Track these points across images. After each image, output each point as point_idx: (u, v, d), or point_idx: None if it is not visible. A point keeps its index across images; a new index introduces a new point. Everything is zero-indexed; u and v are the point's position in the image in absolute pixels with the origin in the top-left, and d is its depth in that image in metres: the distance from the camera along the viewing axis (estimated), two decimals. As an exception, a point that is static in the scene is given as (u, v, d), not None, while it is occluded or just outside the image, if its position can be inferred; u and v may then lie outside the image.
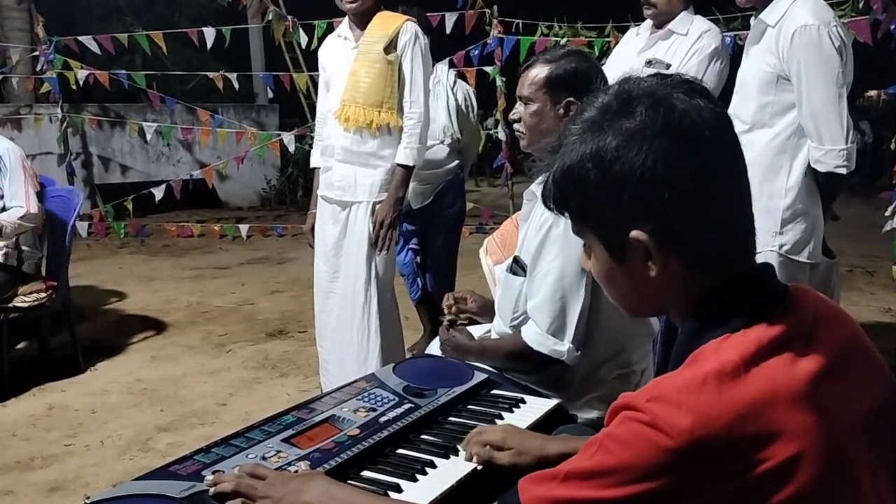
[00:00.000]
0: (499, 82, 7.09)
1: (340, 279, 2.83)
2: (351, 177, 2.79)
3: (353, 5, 2.72)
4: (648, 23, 2.83)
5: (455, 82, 3.75)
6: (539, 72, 1.69)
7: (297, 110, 9.93)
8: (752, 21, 2.36)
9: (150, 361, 3.77)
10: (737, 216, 0.85)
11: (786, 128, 2.24)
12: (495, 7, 6.93)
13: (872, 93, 17.81)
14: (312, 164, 3.01)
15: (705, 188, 0.81)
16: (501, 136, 7.35)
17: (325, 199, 2.87)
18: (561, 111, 1.67)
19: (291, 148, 7.64)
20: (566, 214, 0.91)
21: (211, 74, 7.64)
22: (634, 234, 0.83)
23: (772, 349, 0.78)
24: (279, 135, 7.91)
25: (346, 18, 2.84)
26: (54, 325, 3.71)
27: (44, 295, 3.38)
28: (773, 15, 2.22)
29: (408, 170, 2.77)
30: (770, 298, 0.84)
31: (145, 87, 7.70)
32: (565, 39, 6.71)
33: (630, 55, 2.81)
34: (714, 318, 0.82)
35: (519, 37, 6.89)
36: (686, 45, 2.68)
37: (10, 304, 3.28)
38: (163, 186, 7.42)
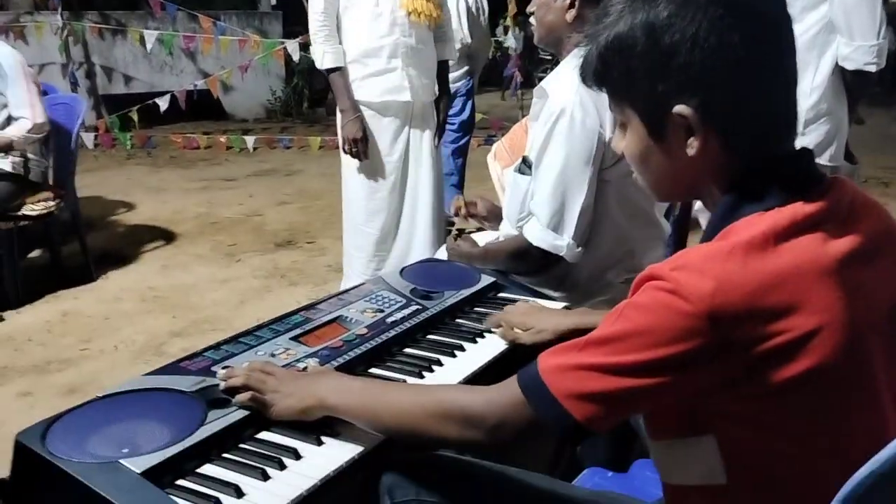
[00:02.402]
0: (509, -15, 6.83)
1: (408, 186, 2.82)
2: (418, 77, 2.73)
3: None
4: None
5: (464, -17, 3.62)
6: None
7: (301, 18, 9.62)
8: None
9: (161, 270, 3.81)
10: (783, 97, 0.83)
11: (815, 23, 2.16)
12: None
13: (897, -1, 17.17)
14: (335, 64, 2.68)
15: (756, 64, 0.79)
16: (511, 43, 7.14)
17: (388, 103, 2.72)
18: (566, 2, 1.62)
19: (296, 57, 7.45)
20: (604, 88, 0.89)
21: (212, -21, 7.38)
22: (678, 108, 0.81)
23: (804, 226, 0.78)
24: (283, 43, 7.70)
25: None
26: (64, 235, 3.73)
27: (52, 203, 3.38)
28: None
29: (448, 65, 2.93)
30: (807, 180, 0.82)
31: (145, -7, 7.47)
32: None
33: None
34: (749, 197, 0.81)
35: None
36: None
37: (18, 213, 3.29)
38: (167, 97, 7.30)
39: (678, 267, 0.77)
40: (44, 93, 3.49)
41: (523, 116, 7.28)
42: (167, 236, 4.40)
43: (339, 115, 2.75)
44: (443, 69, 2.86)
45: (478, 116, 4.83)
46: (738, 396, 0.77)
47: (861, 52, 2.10)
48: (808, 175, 0.83)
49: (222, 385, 1.11)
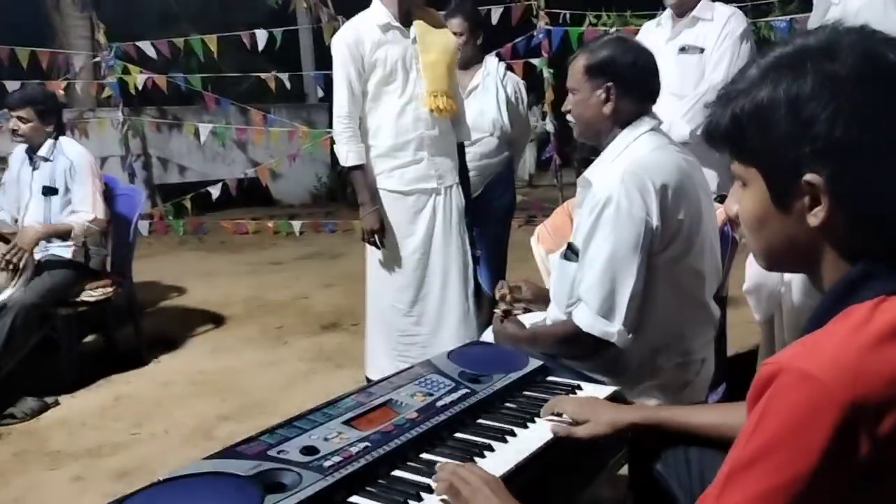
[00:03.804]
0: (546, 74, 7.04)
1: (433, 261, 2.90)
2: (445, 164, 2.92)
3: None
4: (668, 13, 2.99)
5: (505, 74, 3.74)
6: (580, 61, 1.72)
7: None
8: None
9: (211, 353, 3.88)
10: None
11: None
12: (542, -2, 6.88)
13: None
14: (357, 162, 2.84)
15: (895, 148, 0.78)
16: (549, 128, 7.30)
17: (414, 192, 2.89)
18: (602, 97, 1.68)
19: (341, 145, 7.72)
20: (730, 149, 0.87)
21: (263, 75, 7.78)
22: (809, 177, 0.79)
23: None
24: (328, 132, 8.01)
25: (379, 8, 2.81)
26: (119, 320, 3.84)
27: (109, 290, 3.50)
28: None
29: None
30: None
31: (201, 90, 7.89)
32: (614, 29, 6.62)
33: (657, 44, 2.79)
34: (870, 278, 0.79)
35: (567, 27, 6.83)
36: (716, 30, 2.84)
37: (78, 299, 3.42)
38: (219, 185, 7.60)
39: (809, 359, 0.74)
40: (106, 185, 3.67)
41: (563, 198, 7.26)
42: (217, 320, 4.49)
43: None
44: (459, 150, 3.04)
45: (518, 198, 4.90)
46: (871, 488, 0.74)
47: None
48: None
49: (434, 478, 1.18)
